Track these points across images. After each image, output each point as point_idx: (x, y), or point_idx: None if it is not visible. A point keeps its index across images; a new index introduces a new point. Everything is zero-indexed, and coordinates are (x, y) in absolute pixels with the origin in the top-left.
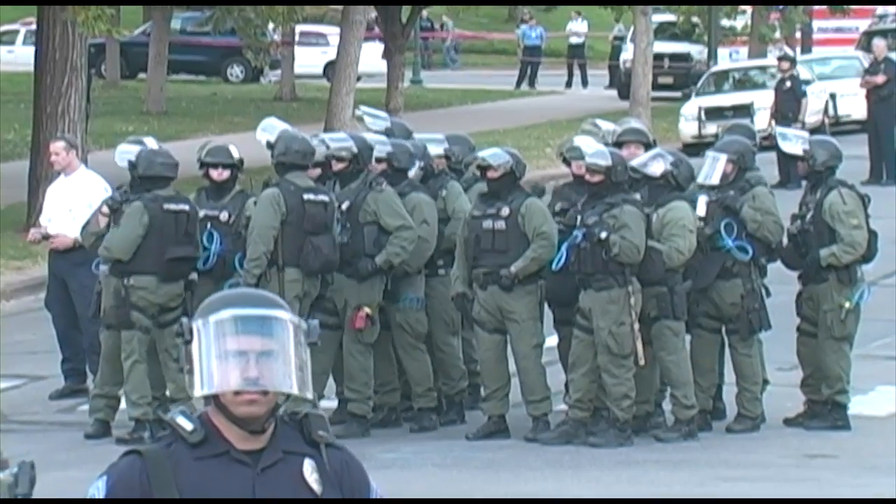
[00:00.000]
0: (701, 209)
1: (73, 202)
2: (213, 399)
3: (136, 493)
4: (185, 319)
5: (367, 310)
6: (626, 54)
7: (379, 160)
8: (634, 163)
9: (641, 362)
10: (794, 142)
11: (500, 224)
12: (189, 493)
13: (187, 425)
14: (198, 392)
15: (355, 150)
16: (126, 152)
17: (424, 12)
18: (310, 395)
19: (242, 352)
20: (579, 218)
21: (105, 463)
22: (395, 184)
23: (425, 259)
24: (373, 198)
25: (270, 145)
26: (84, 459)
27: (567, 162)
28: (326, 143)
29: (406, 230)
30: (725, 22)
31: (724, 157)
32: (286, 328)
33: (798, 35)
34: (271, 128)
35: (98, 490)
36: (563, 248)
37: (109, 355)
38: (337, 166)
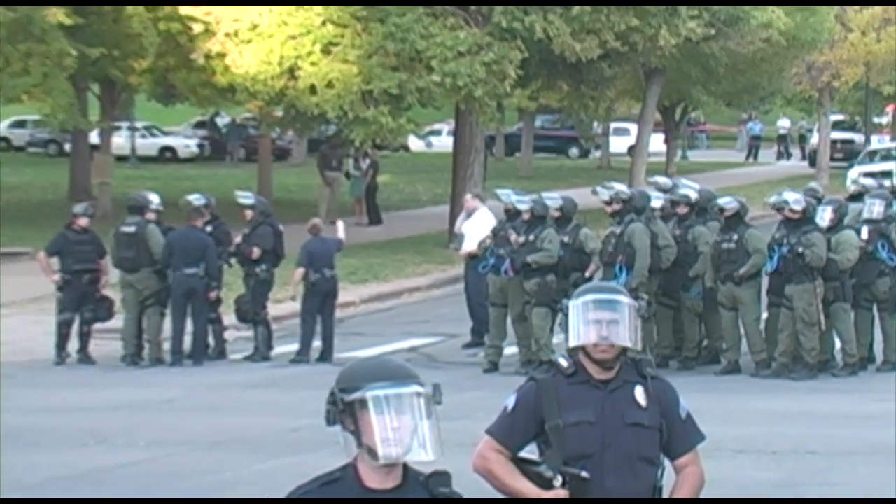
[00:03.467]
0: (864, 234)
1: (476, 229)
2: (581, 349)
3: (532, 404)
4: (565, 301)
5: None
6: (813, 140)
7: (677, 203)
8: (818, 219)
9: (823, 328)
10: None
11: (732, 245)
12: (564, 405)
13: (564, 363)
14: (572, 343)
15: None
16: (508, 194)
17: (692, 114)
18: (639, 347)
19: (598, 320)
20: (785, 240)
21: (494, 388)
22: (686, 218)
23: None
24: (633, 229)
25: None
26: (481, 385)
27: (780, 208)
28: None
29: (668, 248)
30: (876, 119)
31: (881, 202)
32: (626, 306)
33: None
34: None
35: (510, 401)
36: (776, 258)
37: (496, 321)
38: (614, 207)
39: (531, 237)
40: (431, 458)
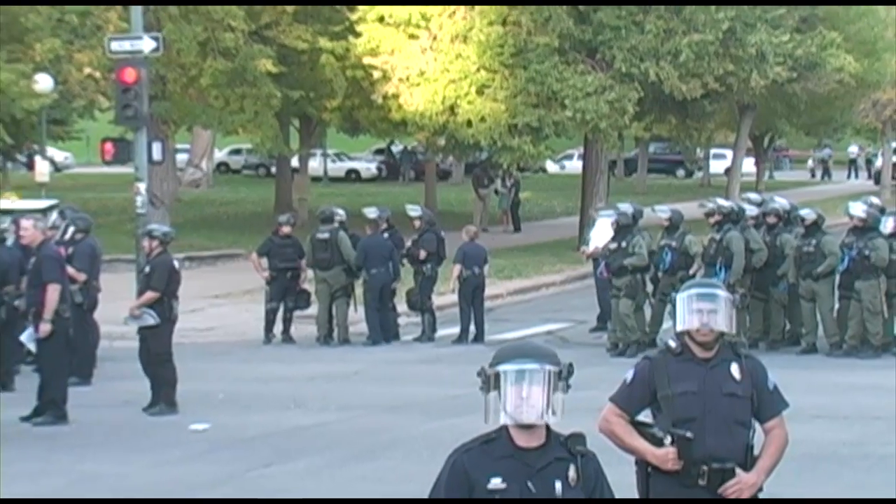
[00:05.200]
0: None
1: (599, 235)
2: (686, 333)
3: (646, 377)
4: (673, 294)
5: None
6: (878, 162)
7: (768, 214)
8: (881, 227)
9: (885, 316)
10: None
11: (811, 249)
12: (672, 378)
13: (673, 344)
14: (679, 328)
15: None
16: (628, 206)
17: (778, 141)
18: (734, 331)
19: (700, 310)
20: (854, 244)
21: (615, 365)
22: (775, 227)
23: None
24: (730, 236)
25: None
26: (604, 362)
27: (851, 217)
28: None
29: (760, 252)
30: None
31: None
32: (722, 298)
33: None
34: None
35: (629, 375)
36: (846, 259)
37: (617, 310)
38: (715, 218)
39: (622, 244)
40: (552, 422)
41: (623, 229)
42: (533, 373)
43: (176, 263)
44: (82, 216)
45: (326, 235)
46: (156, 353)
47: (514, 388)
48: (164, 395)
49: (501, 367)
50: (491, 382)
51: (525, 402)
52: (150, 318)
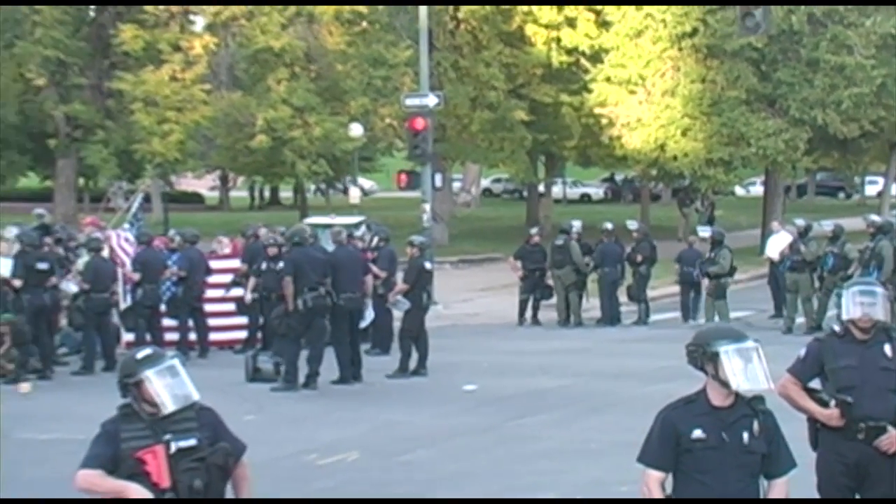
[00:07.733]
0: None
1: (777, 244)
2: (850, 320)
3: (816, 354)
4: (836, 289)
5: None
6: None
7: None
8: None
9: None
10: None
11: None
12: (837, 355)
13: (837, 328)
14: (844, 317)
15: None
16: (799, 220)
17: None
18: (888, 320)
19: (863, 303)
20: None
21: (790, 345)
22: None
23: None
24: (882, 244)
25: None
26: (780, 342)
27: None
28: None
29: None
30: None
31: None
32: (880, 294)
33: None
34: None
35: (802, 352)
36: None
37: (791, 301)
38: (869, 230)
39: (713, 255)
40: (770, 387)
41: (716, 244)
42: (750, 350)
43: (427, 265)
44: (383, 229)
45: (561, 242)
46: (406, 329)
47: (734, 363)
48: (401, 361)
49: (726, 346)
50: (709, 357)
51: (743, 373)
52: (404, 304)
